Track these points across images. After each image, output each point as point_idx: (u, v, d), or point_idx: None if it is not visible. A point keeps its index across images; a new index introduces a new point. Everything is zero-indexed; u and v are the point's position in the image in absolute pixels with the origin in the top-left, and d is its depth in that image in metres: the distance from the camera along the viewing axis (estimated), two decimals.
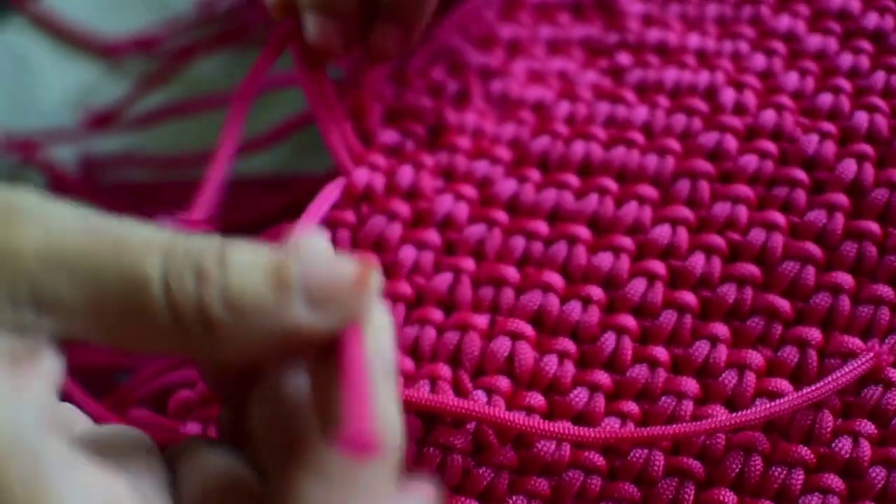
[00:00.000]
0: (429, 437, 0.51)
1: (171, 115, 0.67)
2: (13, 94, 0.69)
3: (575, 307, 0.53)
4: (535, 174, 0.57)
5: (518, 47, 0.62)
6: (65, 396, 0.54)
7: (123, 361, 0.57)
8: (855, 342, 0.52)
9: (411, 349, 0.53)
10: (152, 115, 0.68)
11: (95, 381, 0.56)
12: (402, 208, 0.56)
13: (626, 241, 0.55)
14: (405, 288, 0.55)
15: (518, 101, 0.59)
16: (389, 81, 0.60)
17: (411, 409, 0.51)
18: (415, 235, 0.56)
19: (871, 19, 0.59)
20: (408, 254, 0.55)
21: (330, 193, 0.56)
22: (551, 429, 0.50)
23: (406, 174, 0.57)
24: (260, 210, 0.61)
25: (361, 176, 0.57)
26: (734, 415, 0.50)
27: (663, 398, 0.52)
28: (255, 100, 0.53)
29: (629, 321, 0.53)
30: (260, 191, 0.62)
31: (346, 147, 0.57)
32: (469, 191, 0.57)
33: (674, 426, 0.50)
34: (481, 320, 0.53)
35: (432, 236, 0.56)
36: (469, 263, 0.55)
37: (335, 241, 0.56)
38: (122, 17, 0.71)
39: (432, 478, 0.51)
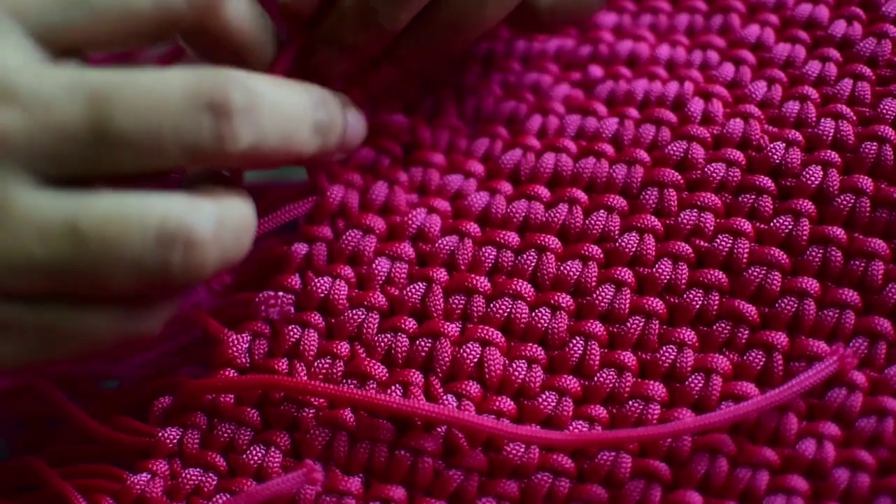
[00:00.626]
0: (400, 440, 0.53)
1: None
2: None
3: (544, 314, 0.55)
4: (506, 186, 0.58)
5: (493, 62, 0.63)
6: (49, 404, 0.56)
7: (107, 369, 0.59)
8: (820, 346, 0.53)
9: (384, 356, 0.55)
10: None
11: (80, 387, 0.57)
12: (377, 223, 0.58)
13: (595, 250, 0.56)
14: (379, 298, 0.56)
15: (491, 115, 0.61)
16: (365, 101, 0.61)
17: (383, 413, 0.52)
18: (389, 248, 0.57)
19: (839, 27, 0.60)
20: (382, 266, 0.57)
21: (298, 208, 0.57)
22: (520, 432, 0.51)
23: (381, 190, 0.59)
24: None
25: (337, 192, 0.59)
26: (700, 417, 0.51)
27: (631, 402, 0.53)
28: None
29: (597, 327, 0.54)
30: None
31: (323, 165, 0.59)
32: (442, 204, 0.58)
33: (640, 429, 0.51)
34: (452, 328, 0.55)
35: (406, 249, 0.57)
36: (441, 274, 0.56)
37: (312, 256, 0.58)
38: None
39: (403, 480, 0.52)
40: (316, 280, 0.57)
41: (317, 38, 0.57)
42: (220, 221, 0.48)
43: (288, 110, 0.51)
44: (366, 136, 0.57)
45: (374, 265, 0.57)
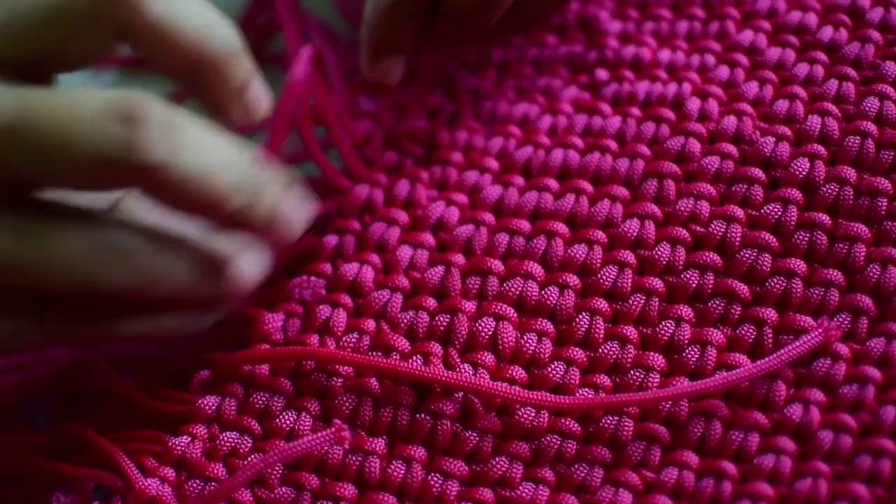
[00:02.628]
0: (421, 405, 0.57)
1: None
2: None
3: (553, 292, 0.60)
4: (518, 180, 0.63)
5: (507, 67, 0.68)
6: (98, 378, 0.61)
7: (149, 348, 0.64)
8: (807, 320, 0.58)
9: (407, 331, 0.59)
10: None
11: (123, 364, 0.62)
12: (400, 215, 0.63)
13: (600, 235, 0.61)
14: (403, 281, 0.61)
15: (505, 117, 0.66)
16: (389, 109, 0.67)
17: (406, 380, 0.57)
18: (411, 237, 0.62)
19: (827, 33, 0.64)
20: (405, 252, 0.62)
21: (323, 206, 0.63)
22: (531, 397, 0.56)
23: (403, 186, 0.64)
24: None
25: (363, 190, 0.64)
26: (695, 383, 0.56)
27: (632, 371, 0.58)
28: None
29: (602, 304, 0.59)
30: None
31: (344, 169, 0.64)
32: (460, 197, 0.63)
33: (641, 393, 0.56)
34: (469, 305, 0.60)
35: (427, 237, 0.62)
36: (459, 258, 0.61)
37: (342, 245, 0.63)
38: None
39: (424, 441, 0.57)
40: (345, 266, 0.62)
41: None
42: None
43: (212, 150, 0.51)
44: (304, 229, 0.57)
45: (397, 252, 0.62)
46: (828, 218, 0.60)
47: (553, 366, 0.58)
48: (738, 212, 0.60)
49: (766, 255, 0.59)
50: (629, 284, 0.59)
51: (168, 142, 0.49)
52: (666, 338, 0.58)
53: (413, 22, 0.62)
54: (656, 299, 0.59)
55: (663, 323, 0.59)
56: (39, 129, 0.48)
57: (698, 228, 0.60)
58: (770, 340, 0.58)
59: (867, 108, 0.62)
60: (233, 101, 0.56)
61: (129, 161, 0.48)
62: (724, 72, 0.65)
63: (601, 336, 0.59)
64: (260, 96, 0.57)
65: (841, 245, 0.59)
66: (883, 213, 0.59)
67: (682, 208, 0.61)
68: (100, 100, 0.49)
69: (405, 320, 0.60)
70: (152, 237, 0.53)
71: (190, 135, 0.50)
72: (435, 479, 0.56)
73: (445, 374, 0.57)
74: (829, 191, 0.60)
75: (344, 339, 0.60)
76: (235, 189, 0.51)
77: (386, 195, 0.64)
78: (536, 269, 0.60)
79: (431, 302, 0.60)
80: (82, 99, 0.49)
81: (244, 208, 0.52)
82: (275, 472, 0.57)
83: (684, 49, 0.67)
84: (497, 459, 0.56)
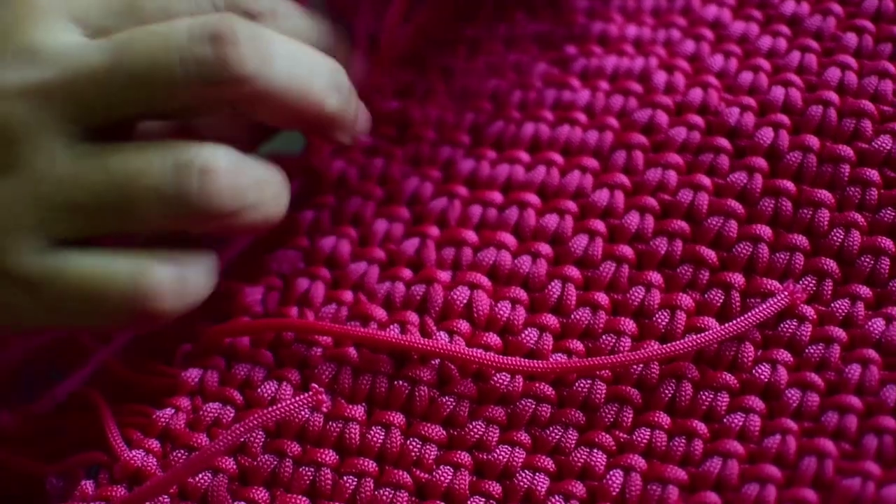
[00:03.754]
0: (399, 372, 0.59)
1: None
2: None
3: (525, 261, 0.61)
4: (490, 153, 0.65)
5: (478, 45, 0.70)
6: (82, 353, 0.62)
7: None
8: (773, 284, 0.59)
9: (384, 301, 0.61)
10: None
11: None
12: (375, 190, 0.64)
13: (570, 205, 0.62)
14: (379, 253, 0.62)
15: (476, 92, 0.67)
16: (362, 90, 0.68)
17: (384, 348, 0.59)
18: (387, 211, 0.64)
19: (789, 6, 0.66)
20: (381, 226, 0.63)
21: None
22: (506, 362, 0.57)
23: (377, 163, 0.65)
24: None
25: (338, 166, 0.65)
26: (665, 345, 0.57)
27: (604, 336, 0.59)
28: None
29: (573, 271, 0.61)
30: None
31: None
32: (434, 172, 0.65)
33: (613, 357, 0.57)
34: (444, 275, 0.61)
35: (402, 211, 0.64)
36: (434, 230, 0.63)
37: (319, 220, 0.64)
38: None
39: (402, 407, 0.58)
40: (322, 239, 0.63)
41: None
42: (237, 159, 0.55)
43: (302, 58, 0.55)
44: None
45: (373, 225, 0.63)
46: (792, 185, 0.61)
47: (527, 332, 0.59)
48: (705, 180, 0.61)
49: (733, 221, 0.60)
50: (600, 252, 0.61)
51: (258, 54, 0.53)
52: (636, 303, 0.60)
53: None
54: (626, 266, 0.60)
55: (634, 289, 0.60)
56: (137, 66, 0.52)
57: (666, 197, 0.62)
58: (738, 304, 0.59)
59: (829, 78, 0.63)
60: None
61: (225, 77, 0.53)
62: (689, 46, 0.66)
63: (573, 302, 0.60)
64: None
65: (805, 210, 0.60)
66: (846, 179, 0.61)
67: (651, 178, 0.62)
68: (185, 27, 0.53)
69: (382, 291, 0.61)
70: None
71: (278, 45, 0.54)
72: (413, 443, 0.57)
73: (422, 342, 0.58)
74: (793, 158, 0.61)
75: (323, 310, 0.61)
76: (329, 91, 0.56)
77: (360, 171, 0.65)
78: (509, 238, 0.61)
79: (407, 273, 0.61)
80: (168, 30, 0.53)
81: (339, 107, 0.57)
82: (257, 440, 0.58)
83: (650, 24, 0.68)
84: (473, 424, 0.58)
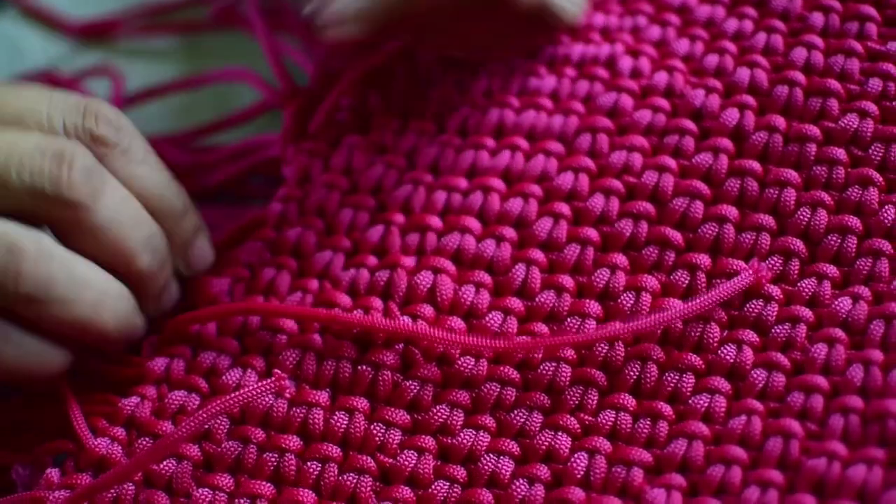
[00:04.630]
0: (363, 357, 0.58)
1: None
2: (8, 76, 0.77)
3: (489, 245, 0.61)
4: (455, 139, 0.65)
5: None
6: None
7: None
8: (739, 264, 0.59)
9: (349, 288, 0.61)
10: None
11: None
12: (340, 180, 0.64)
13: (535, 188, 0.62)
14: (344, 242, 0.62)
15: (441, 81, 0.67)
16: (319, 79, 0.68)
17: (348, 334, 0.59)
18: (351, 200, 0.64)
19: None
20: (346, 215, 0.63)
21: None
22: (468, 341, 0.57)
23: (341, 154, 0.65)
24: (226, 174, 0.69)
25: (302, 160, 0.65)
26: (629, 323, 0.57)
27: (569, 319, 0.59)
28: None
29: (537, 254, 0.60)
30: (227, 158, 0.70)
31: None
32: (398, 160, 0.65)
33: (577, 335, 0.57)
34: (408, 260, 0.61)
35: (367, 199, 0.64)
36: (398, 217, 0.62)
37: (286, 212, 0.64)
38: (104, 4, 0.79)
39: (366, 392, 0.58)
40: (288, 230, 0.63)
41: None
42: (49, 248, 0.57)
43: (128, 207, 0.58)
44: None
45: (338, 215, 0.63)
46: (758, 165, 0.61)
47: (491, 315, 0.59)
48: (671, 162, 0.61)
49: (699, 202, 0.60)
50: (564, 235, 0.61)
51: (89, 185, 0.56)
52: (601, 285, 0.59)
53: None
54: (591, 248, 0.60)
55: (598, 271, 0.60)
56: None
57: (631, 179, 0.61)
58: (703, 285, 0.59)
59: (795, 59, 0.63)
60: (177, 255, 0.62)
61: (51, 194, 0.55)
62: (655, 31, 0.66)
63: (538, 285, 0.60)
64: (204, 250, 0.63)
65: (771, 190, 0.60)
66: (812, 158, 0.61)
67: (616, 160, 0.62)
68: (35, 139, 0.56)
69: (347, 278, 0.61)
70: None
71: (110, 186, 0.57)
72: (377, 428, 0.57)
73: (385, 322, 0.58)
74: (759, 139, 0.61)
75: (288, 298, 0.61)
76: (144, 249, 0.59)
77: (325, 163, 0.65)
78: (473, 223, 0.61)
79: (372, 259, 0.61)
80: (19, 138, 0.56)
81: (149, 269, 0.59)
82: (221, 426, 0.58)
83: (617, 12, 0.68)
84: (438, 408, 0.57)
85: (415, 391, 0.58)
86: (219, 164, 0.69)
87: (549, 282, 0.60)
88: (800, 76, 0.62)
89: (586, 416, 0.57)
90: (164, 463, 0.57)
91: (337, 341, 0.59)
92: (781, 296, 0.58)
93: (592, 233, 0.60)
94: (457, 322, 0.59)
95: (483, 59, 0.66)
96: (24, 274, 0.55)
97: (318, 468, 0.57)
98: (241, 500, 0.56)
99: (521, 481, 0.56)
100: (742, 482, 0.54)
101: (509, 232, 0.61)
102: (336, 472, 0.57)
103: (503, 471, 0.56)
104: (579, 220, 0.61)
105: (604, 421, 0.57)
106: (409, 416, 0.58)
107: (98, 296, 0.57)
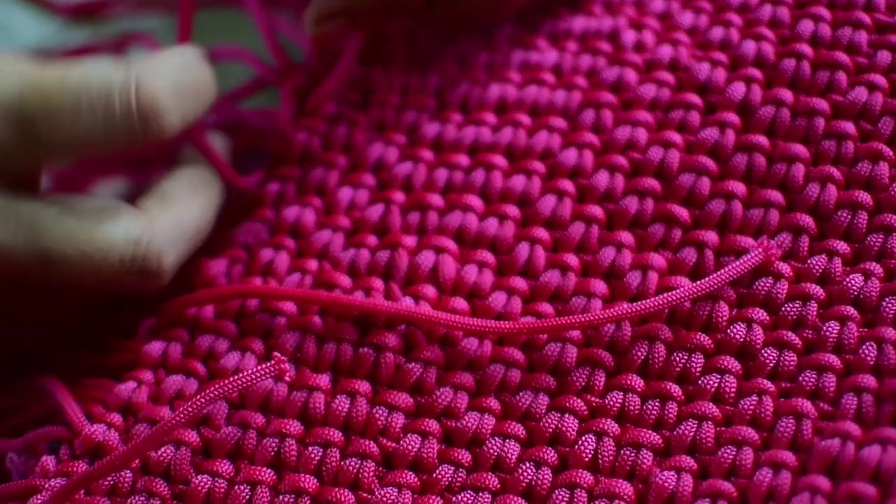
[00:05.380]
0: (364, 339, 0.57)
1: None
2: None
3: (492, 223, 0.60)
4: (456, 116, 0.63)
5: None
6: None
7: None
8: (747, 241, 0.58)
9: (349, 269, 0.60)
10: None
11: None
12: (339, 159, 0.63)
13: (538, 165, 0.61)
14: (343, 221, 0.61)
15: (442, 55, 0.66)
16: (322, 55, 0.67)
17: (348, 315, 0.57)
18: (351, 178, 0.62)
19: None
20: (345, 193, 0.62)
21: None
22: (471, 323, 0.56)
23: (341, 131, 0.64)
24: None
25: (301, 137, 0.64)
26: (636, 304, 0.56)
27: (574, 298, 0.58)
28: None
29: (541, 233, 0.59)
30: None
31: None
32: (398, 137, 0.63)
33: (582, 316, 0.56)
34: (409, 240, 0.60)
35: (367, 177, 0.62)
36: (399, 195, 0.61)
37: (284, 191, 0.63)
38: None
39: (368, 375, 0.57)
40: (286, 209, 0.62)
41: None
42: None
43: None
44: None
45: (337, 193, 0.62)
46: (765, 139, 0.60)
47: (494, 295, 0.58)
48: (676, 137, 0.60)
49: (705, 178, 0.59)
50: (568, 212, 0.60)
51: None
52: (607, 264, 0.58)
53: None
54: (596, 226, 0.59)
55: (604, 249, 0.59)
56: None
57: (636, 155, 0.60)
58: (711, 262, 0.58)
59: (802, 31, 0.62)
60: None
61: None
62: (658, 4, 0.65)
63: (542, 264, 0.59)
64: None
65: (779, 165, 0.59)
66: (821, 132, 0.60)
67: (620, 136, 0.61)
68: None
69: (346, 258, 0.60)
70: None
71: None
72: (380, 411, 0.56)
73: (387, 305, 0.57)
74: (766, 113, 0.60)
75: (287, 279, 0.60)
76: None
77: (324, 141, 0.64)
78: (475, 201, 0.60)
79: (372, 239, 0.60)
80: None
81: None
82: (220, 411, 0.57)
83: None
84: (441, 390, 0.56)
85: (418, 373, 0.57)
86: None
87: (554, 261, 0.59)
88: (807, 49, 0.61)
89: (593, 398, 0.56)
90: (163, 449, 0.56)
91: (337, 323, 0.58)
92: (791, 273, 0.57)
93: (597, 210, 0.59)
94: (460, 302, 0.58)
95: (487, 18, 0.65)
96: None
97: (320, 453, 0.55)
98: (241, 487, 0.55)
99: (528, 465, 0.55)
100: (754, 464, 0.53)
101: (512, 210, 0.60)
102: (338, 457, 0.55)
103: (509, 454, 0.55)
104: (584, 197, 0.60)
105: (611, 402, 0.55)
106: (412, 399, 0.57)
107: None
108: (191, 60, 0.58)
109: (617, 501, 0.53)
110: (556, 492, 0.53)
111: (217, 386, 0.54)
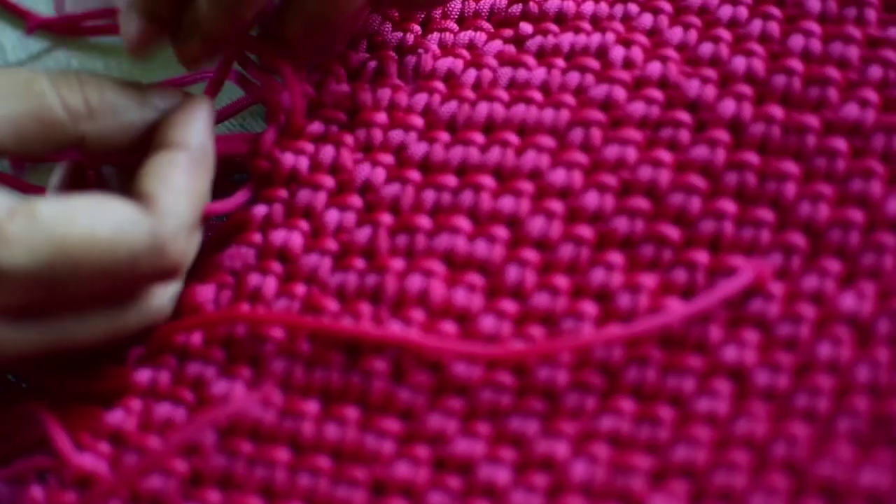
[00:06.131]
0: (353, 365, 0.57)
1: None
2: None
3: (481, 245, 0.59)
4: (444, 136, 0.62)
5: (431, 22, 0.67)
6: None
7: None
8: (738, 260, 0.57)
9: (337, 293, 0.59)
10: None
11: None
12: (326, 180, 0.62)
13: (527, 185, 0.60)
14: (331, 244, 0.60)
15: (430, 72, 0.65)
16: (310, 74, 0.66)
17: (337, 341, 0.57)
18: (338, 200, 0.62)
19: None
20: (332, 216, 0.61)
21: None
22: (462, 348, 0.56)
23: (328, 152, 0.63)
24: None
25: (288, 159, 0.63)
26: (627, 326, 0.56)
27: (564, 320, 0.57)
28: None
29: (531, 254, 0.59)
30: None
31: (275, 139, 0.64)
32: (385, 158, 0.62)
33: (573, 339, 0.56)
34: (398, 263, 0.59)
35: (354, 200, 0.61)
36: (386, 217, 0.61)
37: (271, 214, 0.62)
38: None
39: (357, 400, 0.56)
40: (273, 233, 0.61)
41: (180, 35, 0.62)
42: None
43: None
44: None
45: (325, 216, 0.61)
46: (756, 157, 0.59)
47: (484, 318, 0.58)
48: (666, 156, 0.60)
49: (696, 197, 0.59)
50: (558, 233, 0.59)
51: None
52: (597, 285, 0.58)
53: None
54: (586, 247, 0.59)
55: (594, 270, 0.58)
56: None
57: (626, 174, 0.60)
58: (703, 283, 0.57)
59: (792, 46, 0.61)
60: None
61: None
62: (647, 20, 0.64)
63: (532, 286, 0.58)
64: None
65: (771, 183, 0.59)
66: (812, 149, 0.59)
67: (609, 155, 0.60)
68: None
69: (334, 282, 0.59)
70: None
71: None
72: (370, 438, 0.56)
73: (375, 330, 0.56)
74: (757, 130, 0.60)
75: (275, 305, 0.59)
76: None
77: (311, 162, 0.63)
78: (464, 222, 0.60)
79: (360, 262, 0.60)
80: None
81: None
82: (209, 439, 0.56)
83: (608, 0, 0.66)
84: (431, 415, 0.56)
85: (407, 399, 0.56)
86: None
87: (544, 282, 0.58)
88: (797, 64, 0.61)
89: (585, 422, 0.55)
90: (152, 478, 0.56)
91: (326, 349, 0.57)
92: (783, 293, 0.57)
93: (587, 231, 0.59)
94: (449, 326, 0.57)
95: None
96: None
97: (310, 480, 0.55)
98: None
99: (519, 490, 0.54)
100: (747, 488, 0.53)
101: (501, 231, 0.59)
102: (328, 484, 0.55)
103: (500, 479, 0.55)
104: (573, 217, 0.59)
105: (603, 426, 0.55)
106: (402, 425, 0.56)
107: None
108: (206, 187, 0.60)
109: None
110: None
111: (206, 415, 0.53)
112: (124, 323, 0.57)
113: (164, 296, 0.59)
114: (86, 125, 0.59)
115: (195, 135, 0.60)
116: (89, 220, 0.54)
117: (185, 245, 0.57)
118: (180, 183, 0.58)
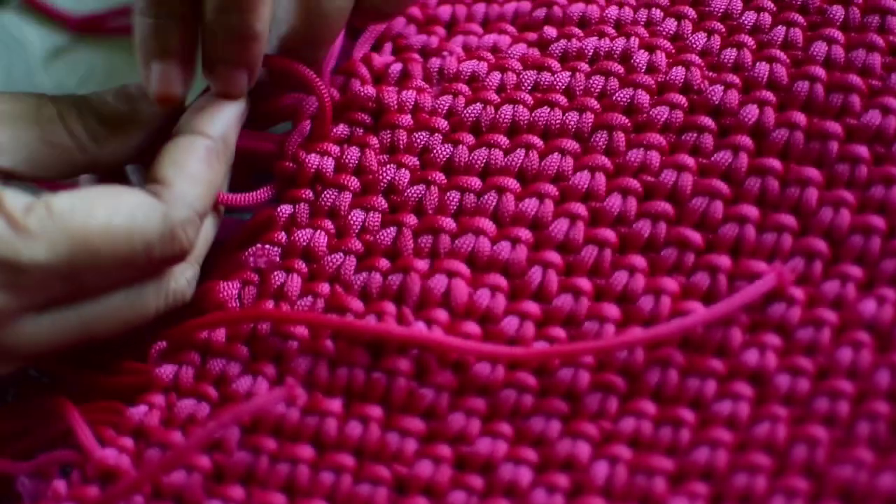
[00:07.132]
0: (376, 364, 0.57)
1: None
2: (9, 68, 0.76)
3: (505, 247, 0.59)
4: (468, 138, 0.63)
5: (456, 25, 0.68)
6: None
7: None
8: (760, 265, 0.58)
9: (361, 293, 0.59)
10: None
11: None
12: (351, 181, 0.63)
13: (550, 188, 0.61)
14: (355, 244, 0.61)
15: (454, 75, 0.65)
16: (336, 76, 0.66)
17: (360, 340, 0.57)
18: (363, 201, 0.62)
19: None
20: (357, 217, 0.62)
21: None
22: (484, 349, 0.56)
23: (353, 154, 0.63)
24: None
25: (312, 160, 0.63)
26: (649, 329, 0.56)
27: (587, 323, 0.58)
28: None
29: (554, 257, 0.59)
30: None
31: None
32: (410, 159, 0.63)
33: (595, 342, 0.56)
34: (422, 264, 0.59)
35: (378, 200, 0.62)
36: (411, 219, 0.61)
37: (296, 214, 0.62)
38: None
39: (380, 400, 0.57)
40: (298, 232, 0.62)
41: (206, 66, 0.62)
42: None
43: None
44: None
45: (349, 217, 0.62)
46: (779, 163, 0.60)
47: (507, 320, 0.58)
48: (689, 160, 0.60)
49: (718, 201, 0.59)
50: (581, 236, 0.59)
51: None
52: (620, 288, 0.58)
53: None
54: (609, 250, 0.59)
55: (617, 273, 0.58)
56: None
57: (649, 178, 0.60)
58: (724, 287, 0.58)
59: (815, 53, 0.62)
60: None
61: None
62: (671, 25, 0.65)
63: (555, 289, 0.59)
64: None
65: (793, 189, 0.59)
66: (834, 155, 0.60)
67: (633, 159, 0.61)
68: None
69: (359, 282, 0.60)
70: None
71: None
72: (392, 437, 0.56)
73: (399, 330, 0.56)
74: (780, 136, 0.60)
75: (298, 303, 0.60)
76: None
77: (336, 164, 0.63)
78: (488, 224, 0.60)
79: (384, 263, 0.60)
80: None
81: None
82: (232, 436, 0.56)
83: (631, 5, 0.66)
84: (454, 415, 0.56)
85: (430, 398, 0.57)
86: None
87: (567, 285, 0.58)
88: (820, 71, 0.61)
89: (606, 423, 0.56)
90: (174, 474, 0.56)
91: (349, 348, 0.57)
92: (804, 298, 0.57)
93: (610, 234, 0.59)
94: (472, 327, 0.58)
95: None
96: None
97: (332, 478, 0.55)
98: None
99: (540, 490, 0.55)
100: (767, 490, 0.53)
101: (525, 233, 0.60)
102: (350, 483, 0.56)
103: (522, 480, 0.55)
104: (596, 220, 0.60)
105: (624, 428, 0.55)
106: (424, 424, 0.57)
107: None
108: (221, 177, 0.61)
109: None
110: None
111: (230, 412, 0.54)
112: (145, 307, 0.58)
113: (181, 278, 0.59)
114: (94, 150, 0.60)
115: (218, 125, 0.60)
116: (105, 212, 0.55)
117: (194, 232, 0.58)
118: (195, 170, 0.58)
